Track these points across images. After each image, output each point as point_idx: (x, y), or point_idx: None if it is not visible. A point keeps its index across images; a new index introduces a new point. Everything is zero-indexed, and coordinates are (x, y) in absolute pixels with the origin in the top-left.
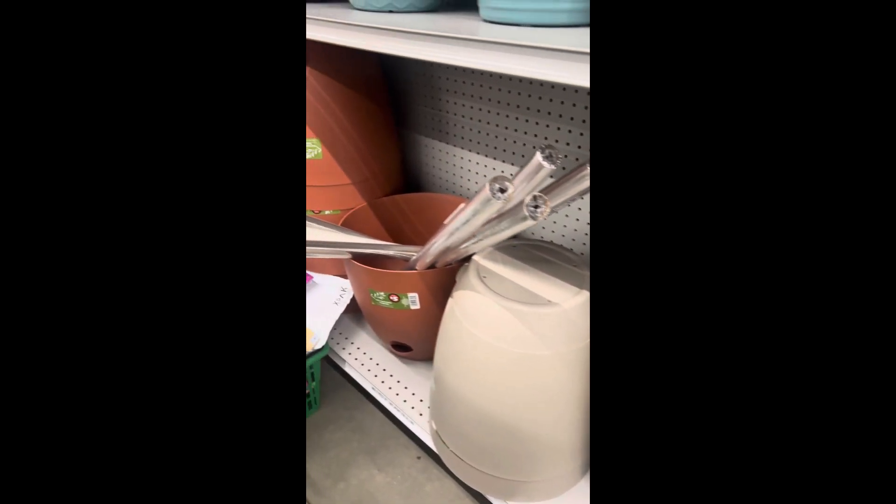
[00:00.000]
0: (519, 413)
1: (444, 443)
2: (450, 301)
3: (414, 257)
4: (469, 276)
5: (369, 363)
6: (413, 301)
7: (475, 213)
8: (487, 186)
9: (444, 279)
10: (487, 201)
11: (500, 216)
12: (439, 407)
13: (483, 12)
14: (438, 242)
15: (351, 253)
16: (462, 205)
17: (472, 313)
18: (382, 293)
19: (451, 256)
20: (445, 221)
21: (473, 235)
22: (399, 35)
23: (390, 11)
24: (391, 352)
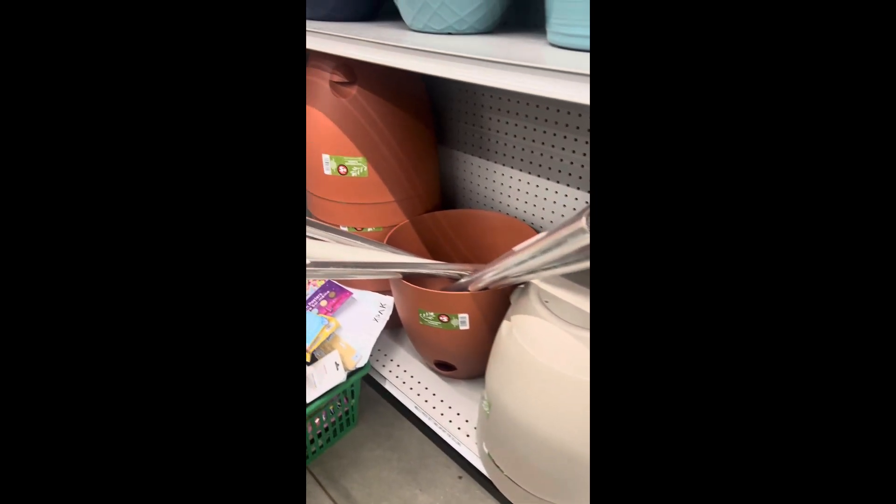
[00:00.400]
0: (583, 439)
1: (497, 466)
2: (505, 323)
3: (465, 278)
4: (530, 300)
5: (410, 381)
6: (463, 322)
7: (557, 245)
8: (584, 219)
9: (497, 301)
10: (576, 234)
11: (580, 250)
12: (493, 430)
13: (551, 37)
14: (502, 269)
15: (401, 273)
16: (539, 235)
17: (533, 338)
18: (432, 313)
19: (509, 281)
20: (516, 249)
21: (545, 268)
22: (464, 61)
23: (449, 34)
24: (432, 370)
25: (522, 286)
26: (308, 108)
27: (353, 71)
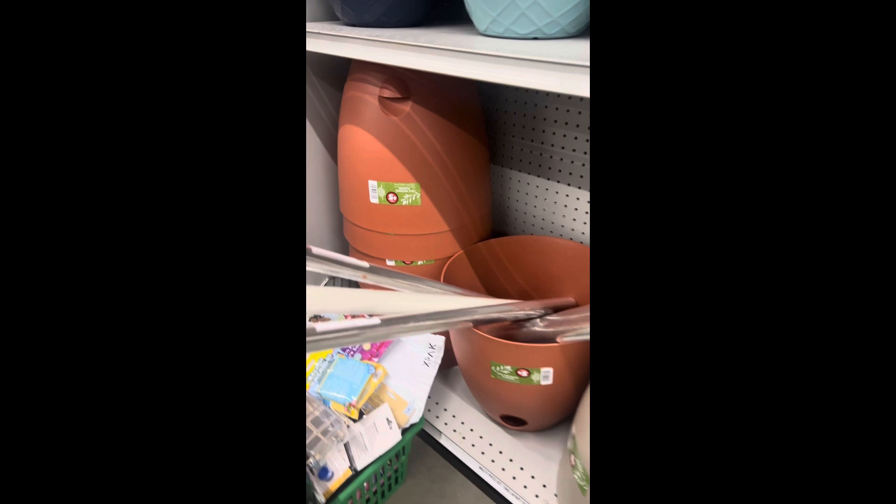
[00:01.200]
0: None
1: None
2: None
3: (541, 320)
4: None
5: (470, 435)
6: (546, 376)
7: None
8: None
9: (587, 350)
10: None
11: None
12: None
13: None
14: None
15: (473, 321)
16: None
17: None
18: (508, 367)
19: None
20: None
21: None
22: (575, 70)
23: (535, 38)
24: (495, 421)
25: None
26: (351, 129)
27: (407, 84)
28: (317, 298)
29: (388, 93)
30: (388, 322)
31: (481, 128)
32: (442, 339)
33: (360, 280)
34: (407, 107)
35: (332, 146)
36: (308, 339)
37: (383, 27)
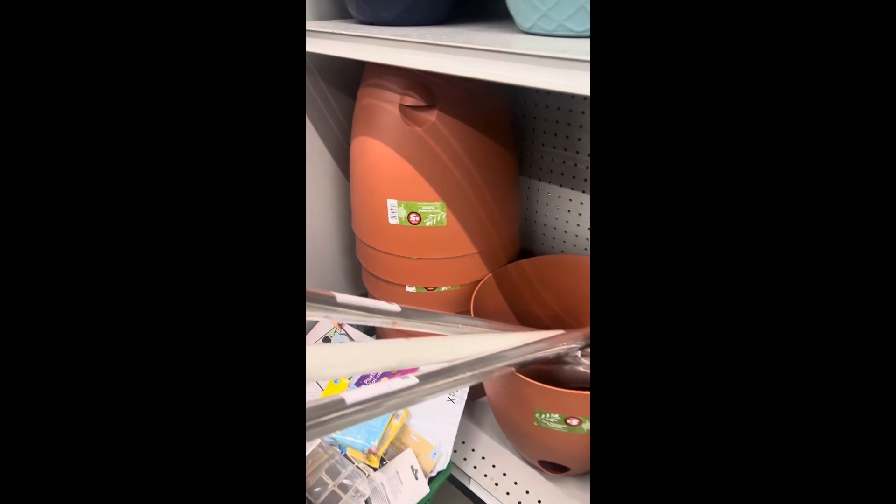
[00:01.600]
0: None
1: None
2: None
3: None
4: None
5: (504, 481)
6: None
7: None
8: None
9: None
10: None
11: None
12: None
13: None
14: None
15: (516, 365)
16: None
17: None
18: (557, 415)
19: None
20: None
21: None
22: None
23: (588, 37)
24: (530, 464)
25: None
26: (366, 141)
27: (432, 91)
28: (334, 360)
29: (410, 100)
30: (426, 379)
31: (511, 137)
32: None
33: (389, 326)
34: (432, 116)
35: (341, 158)
36: (335, 415)
37: (403, 25)
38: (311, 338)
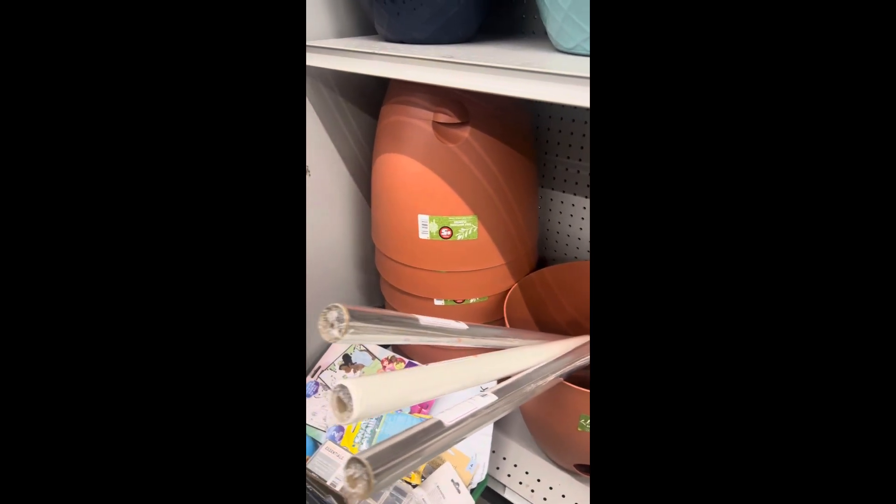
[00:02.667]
0: None
1: None
2: None
3: None
4: None
5: (540, 487)
6: None
7: None
8: None
9: None
10: None
11: None
12: None
13: None
14: None
15: (563, 374)
16: None
17: None
18: None
19: None
20: None
21: None
22: None
23: None
24: (563, 469)
25: None
26: (395, 158)
27: (465, 108)
28: (424, 384)
29: (443, 118)
30: (502, 393)
31: (532, 149)
32: (493, 381)
33: (456, 345)
34: (465, 133)
35: (358, 174)
36: (438, 438)
37: (435, 44)
38: (331, 355)
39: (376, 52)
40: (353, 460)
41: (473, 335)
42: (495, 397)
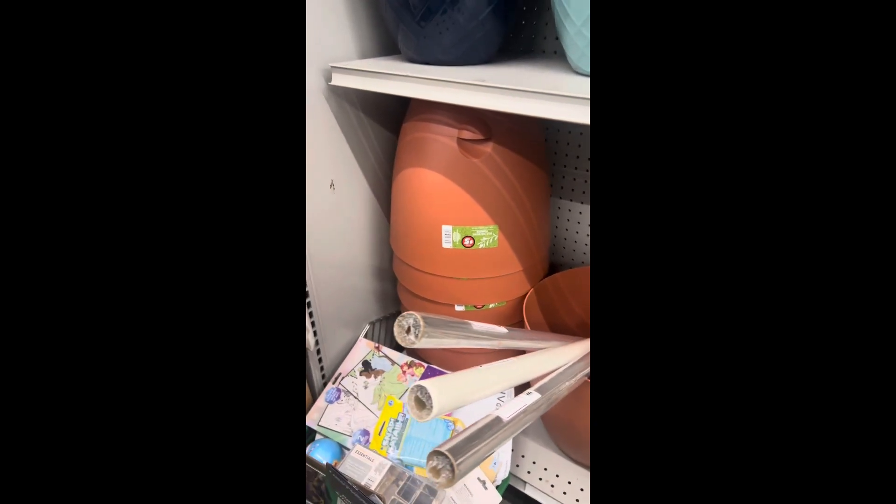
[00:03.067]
0: None
1: None
2: None
3: None
4: None
5: (559, 482)
6: None
7: None
8: None
9: None
10: None
11: None
12: None
13: None
14: None
15: (587, 374)
16: None
17: None
18: None
19: None
20: None
21: None
22: None
23: None
24: (580, 463)
25: None
26: (420, 172)
27: (488, 125)
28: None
29: (468, 134)
30: (543, 390)
31: (545, 160)
32: None
33: (496, 347)
34: (488, 148)
35: (376, 187)
36: (499, 432)
37: (458, 65)
38: (351, 362)
39: (409, 74)
40: (435, 453)
41: (512, 338)
42: (539, 395)
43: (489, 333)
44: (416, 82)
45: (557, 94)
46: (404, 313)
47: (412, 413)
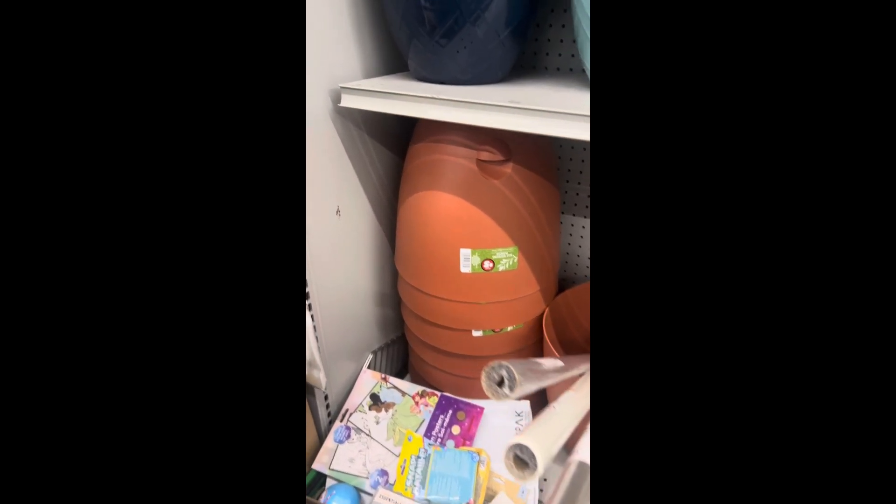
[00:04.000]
0: None
1: None
2: None
3: None
4: None
5: None
6: None
7: None
8: None
9: None
10: None
11: None
12: None
13: None
14: None
15: None
16: None
17: None
18: None
19: None
20: None
21: None
22: None
23: None
24: None
25: None
26: (436, 195)
27: (508, 145)
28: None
29: (487, 155)
30: None
31: (556, 178)
32: (527, 403)
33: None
34: (508, 169)
35: (380, 212)
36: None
37: (474, 84)
38: (357, 396)
39: (433, 96)
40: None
41: (568, 369)
42: None
43: (556, 369)
44: (440, 104)
45: (578, 115)
46: (493, 364)
47: (512, 473)
